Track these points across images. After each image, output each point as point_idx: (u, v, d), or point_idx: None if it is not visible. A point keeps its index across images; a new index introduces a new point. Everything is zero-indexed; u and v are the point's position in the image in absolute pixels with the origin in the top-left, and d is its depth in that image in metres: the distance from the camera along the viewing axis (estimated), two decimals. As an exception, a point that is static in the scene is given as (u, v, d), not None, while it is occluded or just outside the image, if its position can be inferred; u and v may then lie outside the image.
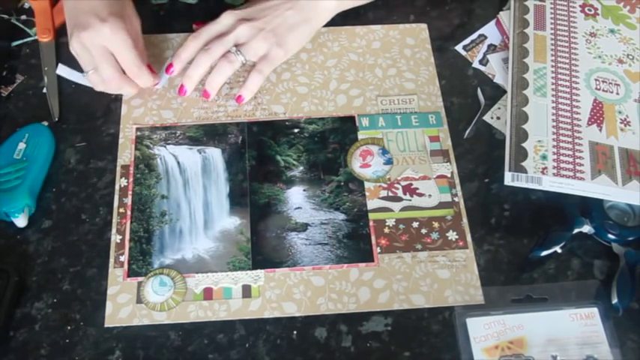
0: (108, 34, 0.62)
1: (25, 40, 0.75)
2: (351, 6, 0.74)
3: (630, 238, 0.61)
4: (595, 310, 0.58)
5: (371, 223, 0.63)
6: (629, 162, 0.63)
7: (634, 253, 0.60)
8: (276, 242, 0.62)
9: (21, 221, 0.61)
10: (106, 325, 0.57)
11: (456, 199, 0.64)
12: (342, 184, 0.65)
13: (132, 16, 0.66)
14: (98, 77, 0.65)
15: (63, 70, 0.71)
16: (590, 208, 0.62)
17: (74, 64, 0.68)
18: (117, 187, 0.64)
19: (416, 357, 0.56)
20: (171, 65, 0.69)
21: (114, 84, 0.66)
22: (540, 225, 0.63)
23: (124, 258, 0.60)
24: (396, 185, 0.65)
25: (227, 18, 0.69)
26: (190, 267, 0.60)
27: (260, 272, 0.60)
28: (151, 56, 0.72)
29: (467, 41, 0.76)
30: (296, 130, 0.68)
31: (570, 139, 0.64)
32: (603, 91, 0.69)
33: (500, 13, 0.77)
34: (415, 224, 0.63)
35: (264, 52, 0.68)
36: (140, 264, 0.60)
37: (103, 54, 0.63)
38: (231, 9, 0.70)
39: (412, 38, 0.75)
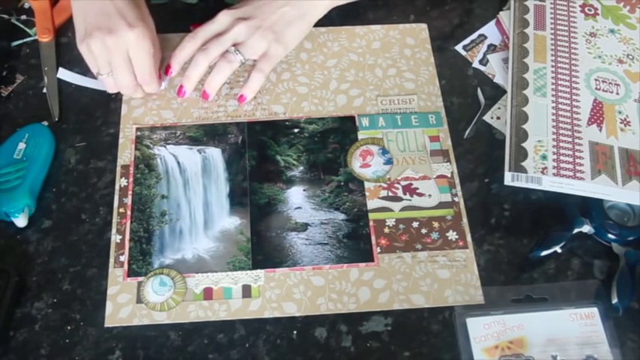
0: (134, 40, 0.62)
1: (25, 40, 0.75)
2: (347, 1, 0.74)
3: (630, 238, 0.61)
4: (595, 310, 0.58)
5: (371, 223, 0.63)
6: (629, 162, 0.63)
7: (634, 253, 0.60)
8: (276, 242, 0.62)
9: (21, 221, 0.61)
10: (106, 325, 0.57)
11: (456, 199, 0.64)
12: (342, 184, 0.65)
13: (149, 21, 0.65)
14: (113, 81, 0.65)
15: (64, 74, 0.71)
16: (590, 208, 0.62)
17: (74, 67, 0.68)
18: (117, 187, 0.64)
19: (416, 357, 0.56)
20: (169, 66, 0.69)
21: (130, 90, 0.66)
22: (540, 225, 0.63)
23: (124, 258, 0.60)
24: (396, 185, 0.65)
25: (223, 17, 0.68)
26: (190, 267, 0.60)
27: (260, 272, 0.60)
28: (151, 56, 0.73)
29: (467, 41, 0.76)
30: (296, 130, 0.68)
31: (570, 139, 0.64)
32: (603, 91, 0.69)
33: (500, 13, 0.77)
34: (415, 224, 0.63)
35: (263, 50, 0.68)
36: (140, 264, 0.60)
37: (123, 59, 0.63)
38: (228, 8, 0.70)
39: (412, 38, 0.75)
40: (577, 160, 0.63)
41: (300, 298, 0.59)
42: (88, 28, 0.62)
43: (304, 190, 0.65)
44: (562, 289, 0.60)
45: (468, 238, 0.62)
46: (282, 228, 0.63)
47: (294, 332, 0.57)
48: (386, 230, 0.62)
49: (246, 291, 0.59)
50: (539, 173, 0.62)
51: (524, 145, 0.64)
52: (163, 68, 0.70)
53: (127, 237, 0.61)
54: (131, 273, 0.60)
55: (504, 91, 0.71)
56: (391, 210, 0.64)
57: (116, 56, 0.63)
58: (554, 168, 0.62)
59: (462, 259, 0.61)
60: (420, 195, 0.64)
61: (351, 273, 0.60)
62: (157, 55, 0.67)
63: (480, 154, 0.68)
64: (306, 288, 0.59)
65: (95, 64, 0.64)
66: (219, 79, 0.68)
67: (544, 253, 0.61)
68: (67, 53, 0.72)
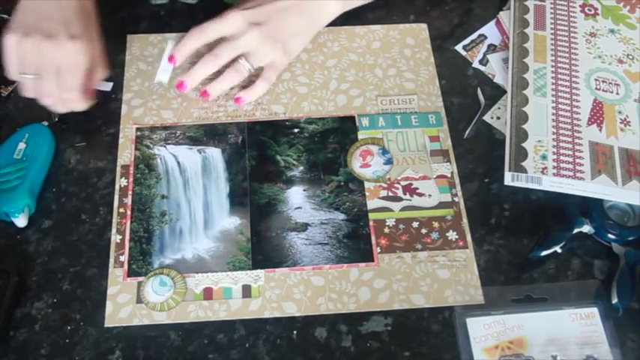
0: (72, 53, 0.59)
1: (25, 40, 0.75)
2: (353, 6, 0.73)
3: (630, 238, 0.61)
4: (595, 310, 0.58)
5: (371, 223, 0.63)
6: (629, 162, 0.63)
7: (634, 253, 0.60)
8: (276, 242, 0.62)
9: (21, 221, 0.61)
10: (106, 325, 0.57)
11: (456, 199, 0.64)
12: (342, 184, 0.65)
13: (96, 40, 0.63)
14: (35, 85, 0.61)
15: None
16: (590, 208, 0.62)
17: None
18: (117, 187, 0.64)
19: (416, 357, 0.56)
20: (173, 57, 0.68)
21: (48, 100, 0.63)
22: (540, 225, 0.63)
23: (124, 258, 0.60)
24: (396, 185, 0.65)
25: (235, 19, 0.66)
26: (190, 267, 0.60)
27: (260, 272, 0.60)
28: (150, 56, 0.73)
29: (467, 41, 0.76)
30: (296, 130, 0.68)
31: (570, 139, 0.64)
32: (603, 91, 0.69)
33: (500, 13, 0.77)
34: (415, 224, 0.63)
35: (271, 59, 0.68)
36: (140, 264, 0.60)
37: (53, 68, 0.60)
38: (231, 7, 0.69)
39: (412, 38, 0.75)
40: (577, 160, 0.63)
41: (300, 298, 0.59)
42: (25, 26, 0.59)
43: (304, 190, 0.65)
44: (562, 289, 0.60)
45: (468, 238, 0.62)
46: (282, 228, 0.63)
47: (294, 332, 0.57)
48: (386, 230, 0.62)
49: (246, 291, 0.59)
50: (539, 173, 0.62)
51: (524, 145, 0.64)
52: (164, 58, 0.68)
53: (127, 237, 0.61)
54: (131, 273, 0.60)
55: (504, 91, 0.71)
56: (391, 210, 0.64)
57: (47, 63, 0.59)
58: (554, 168, 0.62)
59: (462, 259, 0.61)
60: (420, 195, 0.64)
61: (351, 273, 0.60)
62: (96, 75, 0.65)
63: (480, 154, 0.68)
64: (306, 288, 0.59)
65: (18, 61, 0.60)
66: (224, 86, 0.68)
67: (544, 253, 0.61)
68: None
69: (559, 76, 0.69)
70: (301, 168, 0.66)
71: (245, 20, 0.66)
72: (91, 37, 0.61)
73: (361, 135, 0.68)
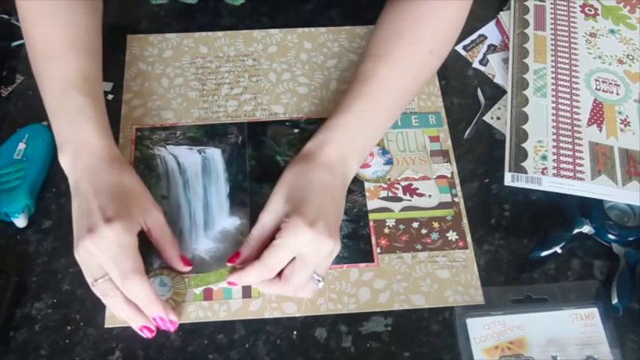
0: (111, 239, 0.52)
1: (25, 40, 0.75)
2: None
3: (630, 239, 0.61)
4: (595, 311, 0.58)
5: (371, 224, 0.63)
6: (629, 162, 0.63)
7: (634, 253, 0.60)
8: (276, 242, 0.62)
9: (21, 221, 0.61)
10: (106, 326, 0.57)
11: (456, 200, 0.64)
12: (342, 184, 0.65)
13: (151, 210, 0.56)
14: (107, 287, 0.54)
15: None
16: (590, 208, 0.62)
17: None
18: (117, 187, 0.64)
19: (416, 357, 0.56)
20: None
21: (115, 300, 0.54)
22: (540, 225, 0.63)
23: (124, 258, 0.60)
24: (396, 185, 0.65)
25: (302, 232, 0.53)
26: (190, 267, 0.60)
27: (260, 272, 0.60)
28: (150, 56, 0.73)
29: (467, 41, 0.76)
30: (296, 131, 0.68)
31: (570, 140, 0.64)
32: (603, 91, 0.69)
33: (501, 13, 0.77)
34: (415, 224, 0.63)
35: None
36: (140, 264, 0.60)
37: (110, 262, 0.52)
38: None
39: (412, 38, 0.75)
40: (577, 161, 0.63)
41: (300, 298, 0.59)
42: (76, 231, 0.54)
43: (304, 191, 0.65)
44: (562, 290, 0.60)
45: (468, 238, 0.62)
46: (282, 228, 0.62)
47: (294, 332, 0.57)
48: (386, 230, 0.62)
49: (246, 291, 0.59)
50: (539, 173, 0.62)
51: (524, 145, 0.64)
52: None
53: (127, 237, 0.61)
54: (131, 273, 0.60)
55: (504, 92, 0.71)
56: (391, 210, 0.64)
57: (101, 260, 0.53)
58: (554, 168, 0.62)
59: (462, 260, 0.61)
60: (420, 195, 0.64)
61: (351, 273, 0.60)
62: (170, 248, 0.58)
63: (480, 154, 0.68)
64: (306, 288, 0.59)
65: (88, 272, 0.54)
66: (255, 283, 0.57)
67: (544, 253, 0.61)
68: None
69: (559, 76, 0.69)
70: (301, 168, 0.66)
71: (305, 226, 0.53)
72: (129, 209, 0.54)
73: (361, 135, 0.68)
